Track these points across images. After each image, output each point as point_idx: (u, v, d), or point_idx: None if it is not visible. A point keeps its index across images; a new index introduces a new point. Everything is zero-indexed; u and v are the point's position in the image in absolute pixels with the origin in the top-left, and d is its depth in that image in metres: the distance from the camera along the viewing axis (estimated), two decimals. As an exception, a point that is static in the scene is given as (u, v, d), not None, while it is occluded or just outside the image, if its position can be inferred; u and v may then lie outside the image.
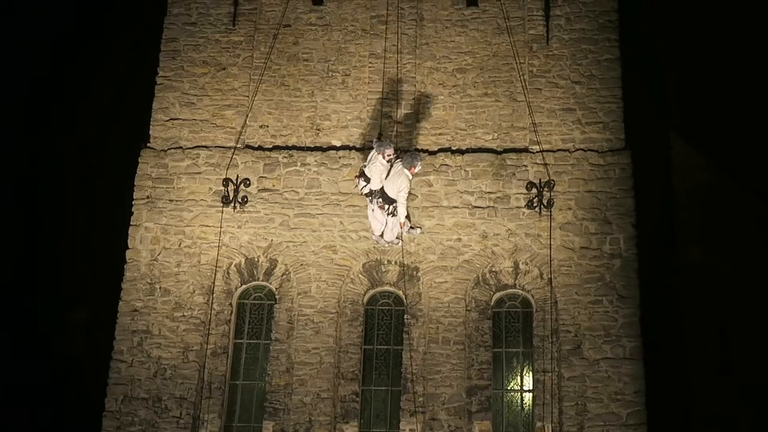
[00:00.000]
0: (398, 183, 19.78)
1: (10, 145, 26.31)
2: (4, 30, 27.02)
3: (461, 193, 21.06)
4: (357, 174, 20.47)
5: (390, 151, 19.91)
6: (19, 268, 25.56)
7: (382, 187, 19.97)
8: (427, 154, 21.24)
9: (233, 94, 22.14)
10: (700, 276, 23.33)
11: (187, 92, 22.18)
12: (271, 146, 21.65)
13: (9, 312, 24.97)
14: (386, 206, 20.07)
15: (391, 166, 19.99)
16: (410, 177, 19.91)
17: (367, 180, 20.03)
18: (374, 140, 20.46)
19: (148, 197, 21.42)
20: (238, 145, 21.65)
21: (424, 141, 21.53)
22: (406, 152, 20.49)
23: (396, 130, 21.58)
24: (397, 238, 20.53)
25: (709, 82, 25.50)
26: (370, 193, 20.19)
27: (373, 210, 20.26)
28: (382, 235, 20.49)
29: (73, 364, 24.84)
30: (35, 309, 25.23)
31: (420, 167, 20.06)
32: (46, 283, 25.36)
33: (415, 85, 21.96)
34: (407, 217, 20.59)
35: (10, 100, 26.70)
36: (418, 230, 20.81)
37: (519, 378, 20.64)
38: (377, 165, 19.94)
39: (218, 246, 20.96)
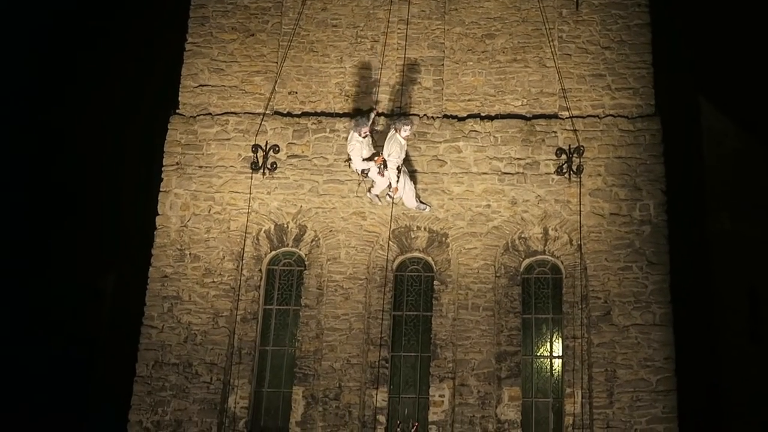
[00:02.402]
0: (389, 147, 19.85)
1: (42, 112, 26.39)
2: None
3: (490, 159, 21.00)
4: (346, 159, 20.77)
5: (365, 128, 19.96)
6: (51, 236, 25.68)
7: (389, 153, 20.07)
8: (456, 120, 21.17)
9: (262, 61, 22.11)
10: (730, 242, 23.25)
11: (216, 59, 22.17)
12: (300, 112, 21.64)
13: (40, 279, 25.10)
14: (381, 168, 20.14)
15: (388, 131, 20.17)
16: (402, 142, 19.91)
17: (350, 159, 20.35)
18: (353, 119, 20.61)
19: (177, 164, 21.45)
20: (267, 112, 21.64)
21: (453, 107, 21.47)
22: (401, 116, 20.57)
23: (424, 96, 21.54)
24: (422, 203, 20.67)
25: (740, 48, 25.33)
26: (363, 172, 20.36)
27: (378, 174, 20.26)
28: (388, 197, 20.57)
29: (104, 330, 24.97)
30: (66, 276, 25.35)
31: (408, 131, 19.99)
32: (77, 250, 25.48)
33: (443, 51, 21.88)
34: (418, 198, 20.71)
35: (40, 66, 26.79)
36: (427, 208, 20.74)
37: (548, 344, 20.63)
38: (354, 143, 20.04)
39: (248, 212, 20.99)
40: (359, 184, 20.85)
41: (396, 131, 19.85)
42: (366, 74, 21.89)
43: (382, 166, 20.08)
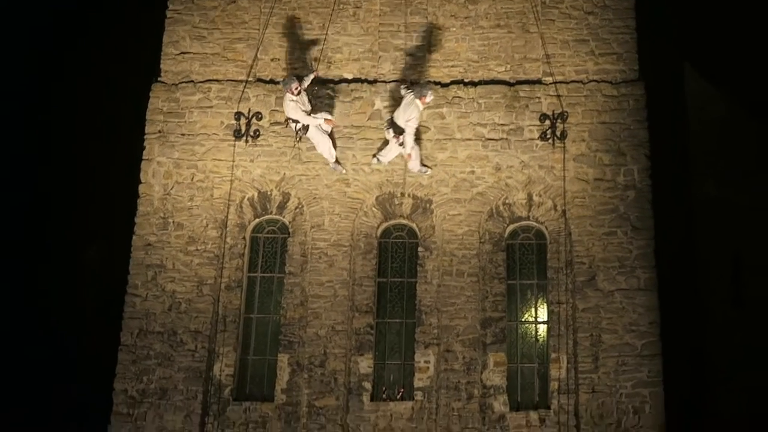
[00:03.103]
0: (408, 112, 19.74)
1: (21, 83, 26.21)
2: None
3: (474, 125, 20.94)
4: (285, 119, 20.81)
5: (295, 84, 19.96)
6: (31, 205, 25.53)
7: (391, 117, 20.06)
8: (439, 86, 21.08)
9: (244, 28, 21.97)
10: (714, 208, 23.25)
11: (197, 26, 22.01)
12: (282, 79, 21.48)
13: (22, 249, 24.99)
14: (398, 136, 20.01)
15: (402, 96, 20.10)
16: (420, 107, 19.85)
17: (294, 121, 20.36)
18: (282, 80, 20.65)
19: (159, 131, 21.35)
20: (249, 79, 21.53)
21: (436, 73, 21.38)
22: (418, 83, 20.37)
23: (407, 63, 21.46)
24: (424, 165, 20.70)
25: (724, 13, 25.22)
26: (303, 128, 20.43)
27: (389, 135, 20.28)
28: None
29: (88, 299, 24.88)
30: (49, 245, 25.24)
31: (431, 97, 19.90)
32: (59, 218, 25.35)
33: (426, 17, 21.77)
34: (421, 161, 20.65)
35: (19, 37, 26.59)
36: (428, 170, 20.71)
37: (533, 310, 20.66)
38: (289, 103, 20.04)
39: (231, 180, 20.93)
40: (374, 156, 20.84)
41: (417, 98, 19.75)
42: (348, 41, 21.76)
43: (401, 135, 20.08)
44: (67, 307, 24.68)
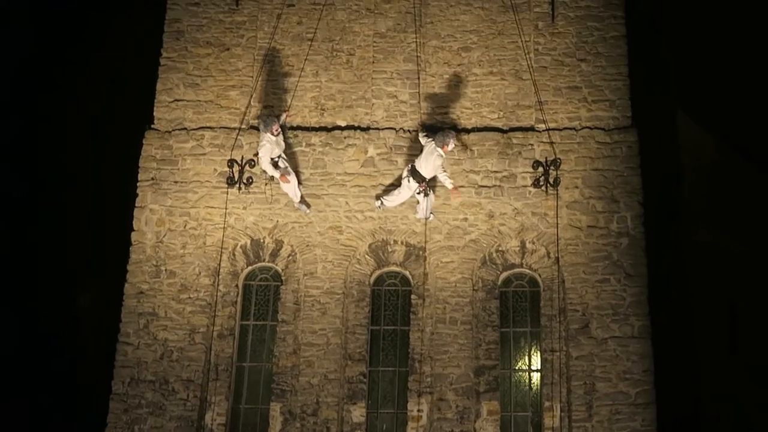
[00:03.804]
0: (432, 162, 19.77)
1: (15, 128, 26.25)
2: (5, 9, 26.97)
3: (467, 172, 20.94)
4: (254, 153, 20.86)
5: (276, 126, 20.07)
6: (24, 252, 25.51)
7: (413, 166, 20.06)
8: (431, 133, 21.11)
9: (237, 75, 22.01)
10: (707, 254, 23.29)
11: (191, 73, 22.05)
12: (261, 118, 21.35)
13: (15, 296, 24.93)
14: (421, 185, 20.09)
15: (424, 145, 20.23)
16: (443, 155, 19.86)
17: (274, 164, 20.35)
18: (259, 120, 20.80)
19: (152, 179, 21.33)
20: (242, 126, 21.53)
21: (429, 121, 21.38)
22: (438, 130, 20.39)
23: (400, 110, 21.50)
24: (431, 214, 20.62)
25: (716, 60, 25.38)
26: (286, 170, 20.50)
27: (408, 187, 20.23)
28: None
29: (79, 347, 24.81)
30: (41, 293, 25.18)
31: (453, 145, 19.99)
32: (52, 266, 25.31)
33: (419, 64, 21.80)
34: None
35: (13, 82, 26.63)
36: (432, 216, 20.71)
37: (527, 358, 20.56)
38: (265, 143, 20.02)
39: (224, 227, 20.89)
40: (380, 203, 20.81)
41: (439, 146, 19.78)
42: (341, 88, 21.81)
43: (427, 188, 20.19)
44: (58, 354, 24.60)
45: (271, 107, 21.58)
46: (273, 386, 20.22)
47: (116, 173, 23.55)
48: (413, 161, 20.19)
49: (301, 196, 20.86)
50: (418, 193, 20.17)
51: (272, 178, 20.67)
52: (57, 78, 26.82)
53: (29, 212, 25.97)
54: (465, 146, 20.93)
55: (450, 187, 20.03)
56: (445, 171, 19.96)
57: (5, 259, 25.11)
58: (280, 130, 20.22)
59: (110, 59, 26.36)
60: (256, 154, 20.52)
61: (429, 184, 20.19)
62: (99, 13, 27.04)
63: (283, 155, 20.50)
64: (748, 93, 25.20)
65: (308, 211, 20.87)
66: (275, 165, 20.22)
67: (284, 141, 20.66)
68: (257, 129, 21.40)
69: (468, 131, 21.23)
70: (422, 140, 20.33)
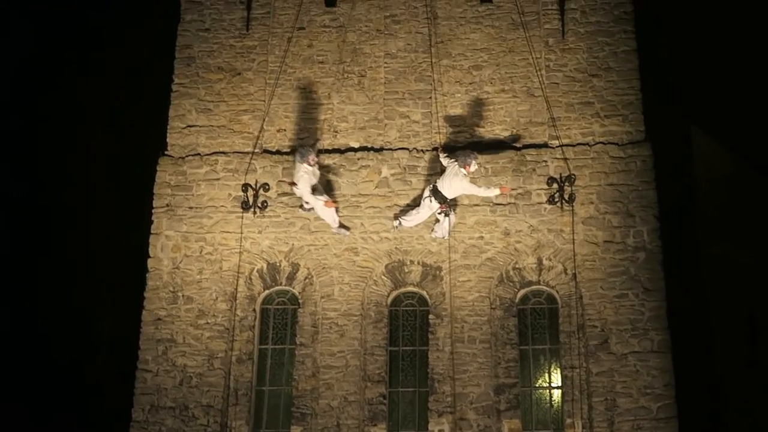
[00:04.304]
0: (456, 183, 19.78)
1: (28, 156, 26.33)
2: (16, 41, 27.08)
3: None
4: (289, 182, 20.76)
5: (312, 156, 20.08)
6: (42, 283, 25.54)
7: (434, 186, 20.03)
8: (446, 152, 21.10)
9: (249, 99, 22.05)
10: (725, 267, 23.20)
11: (203, 99, 22.11)
12: (289, 150, 21.53)
13: (34, 326, 24.96)
14: (443, 206, 20.11)
15: (446, 166, 20.18)
16: (467, 175, 19.84)
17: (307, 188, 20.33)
18: (297, 148, 20.72)
19: (167, 205, 21.36)
20: (256, 150, 21.56)
21: (442, 139, 21.37)
22: (459, 151, 20.40)
23: (413, 130, 21.51)
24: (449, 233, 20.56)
25: (729, 72, 25.33)
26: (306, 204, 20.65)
27: (430, 207, 20.21)
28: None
29: (99, 375, 24.79)
30: (59, 322, 25.19)
31: (475, 167, 19.98)
32: (70, 295, 25.33)
33: (431, 84, 21.82)
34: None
35: (25, 109, 26.73)
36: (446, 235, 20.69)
37: (547, 375, 20.49)
38: (302, 174, 20.04)
39: (239, 252, 20.88)
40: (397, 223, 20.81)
41: (462, 166, 19.78)
42: (354, 110, 21.82)
43: (448, 208, 20.23)
44: (78, 383, 24.60)
45: (305, 138, 21.66)
46: (293, 410, 20.17)
47: (131, 200, 23.58)
48: (435, 181, 20.17)
49: (339, 221, 20.87)
50: (440, 213, 20.16)
51: (301, 205, 20.76)
52: (70, 108, 26.90)
53: (45, 242, 26.02)
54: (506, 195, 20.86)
55: (497, 192, 20.12)
56: (479, 186, 20.02)
57: (23, 292, 25.16)
58: (316, 159, 20.26)
59: (122, 86, 26.44)
60: (292, 183, 20.51)
61: (450, 204, 20.17)
62: (110, 41, 27.14)
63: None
64: (761, 104, 25.12)
65: (348, 233, 20.85)
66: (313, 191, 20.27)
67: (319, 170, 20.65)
68: (270, 152, 21.47)
69: (481, 149, 21.17)
70: (443, 161, 20.29)
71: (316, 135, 21.61)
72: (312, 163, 20.08)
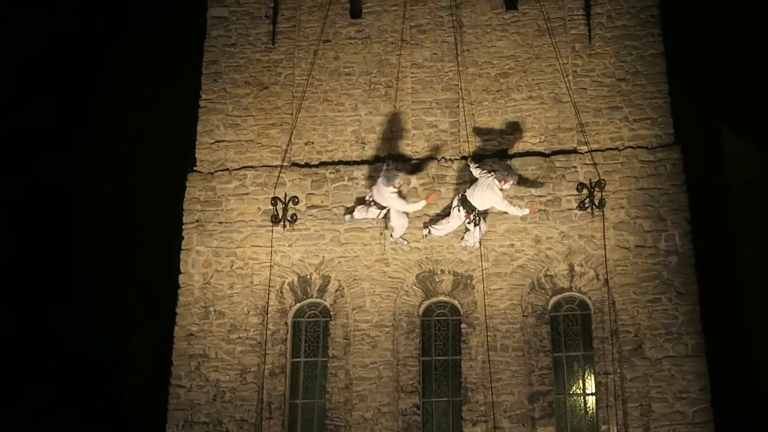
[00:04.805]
0: (488, 196, 19.76)
1: (58, 173, 26.50)
2: (45, 64, 27.30)
3: (511, 198, 20.70)
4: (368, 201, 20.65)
5: (399, 180, 20.04)
6: (74, 300, 25.67)
7: (463, 195, 20.02)
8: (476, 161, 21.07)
9: (277, 113, 22.12)
10: (758, 269, 22.97)
11: (230, 113, 22.20)
12: (317, 162, 21.60)
13: (66, 343, 25.07)
14: (469, 215, 20.07)
15: (477, 177, 20.10)
16: (502, 190, 19.77)
17: (380, 207, 20.35)
18: (384, 166, 20.45)
19: (197, 221, 21.44)
20: (284, 164, 21.61)
21: (471, 148, 21.32)
22: (499, 164, 20.41)
23: (441, 139, 21.48)
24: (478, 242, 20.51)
25: (757, 71, 25.12)
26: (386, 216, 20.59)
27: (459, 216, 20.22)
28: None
29: (132, 392, 24.86)
30: (91, 339, 25.30)
31: (511, 184, 19.89)
32: (102, 313, 25.42)
33: (458, 93, 21.80)
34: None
35: (55, 125, 26.92)
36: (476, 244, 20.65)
37: (581, 382, 20.39)
38: (389, 196, 20.02)
39: (270, 265, 20.91)
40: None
41: (498, 180, 19.70)
42: (381, 121, 21.83)
43: (477, 218, 20.17)
44: (111, 400, 24.68)
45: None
46: (327, 422, 20.16)
47: (161, 216, 23.65)
48: (464, 190, 20.13)
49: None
50: (468, 223, 20.11)
51: (381, 215, 20.67)
52: (99, 126, 27.07)
53: (77, 260, 26.15)
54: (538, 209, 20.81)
55: (526, 212, 20.19)
56: (511, 204, 19.99)
57: (56, 317, 25.35)
58: (401, 183, 20.24)
59: (150, 103, 26.55)
60: (381, 207, 20.42)
61: (479, 214, 20.10)
62: (137, 58, 27.28)
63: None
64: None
65: (405, 242, 20.84)
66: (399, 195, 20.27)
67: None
68: (299, 165, 21.52)
69: (510, 157, 21.11)
70: (474, 172, 20.19)
71: (387, 150, 21.67)
72: (397, 186, 19.99)
